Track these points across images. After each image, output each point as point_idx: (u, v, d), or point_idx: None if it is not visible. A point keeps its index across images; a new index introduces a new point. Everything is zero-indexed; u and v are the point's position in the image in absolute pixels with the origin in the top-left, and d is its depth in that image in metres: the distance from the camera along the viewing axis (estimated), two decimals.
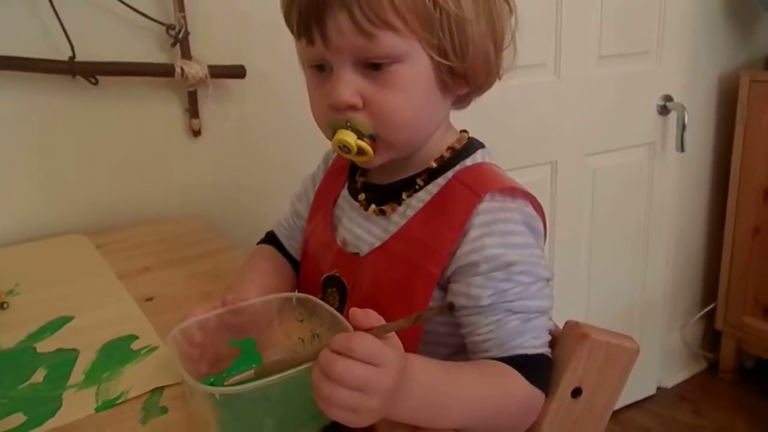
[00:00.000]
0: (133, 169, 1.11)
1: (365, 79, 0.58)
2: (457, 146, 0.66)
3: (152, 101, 1.10)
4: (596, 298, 1.73)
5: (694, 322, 2.04)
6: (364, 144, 0.60)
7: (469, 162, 0.64)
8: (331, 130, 0.61)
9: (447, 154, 0.65)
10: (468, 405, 0.54)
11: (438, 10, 0.57)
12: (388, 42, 0.56)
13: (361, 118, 0.59)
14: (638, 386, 1.90)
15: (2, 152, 1.00)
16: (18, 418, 0.57)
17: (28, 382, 0.62)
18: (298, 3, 0.58)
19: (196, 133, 1.13)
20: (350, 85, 0.58)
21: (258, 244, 0.82)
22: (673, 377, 2.01)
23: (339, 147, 0.60)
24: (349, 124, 0.59)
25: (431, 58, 0.59)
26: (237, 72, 1.11)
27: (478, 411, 0.55)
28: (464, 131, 0.69)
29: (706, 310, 2.03)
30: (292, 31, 0.61)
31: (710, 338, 2.06)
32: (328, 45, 0.57)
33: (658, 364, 1.93)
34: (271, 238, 0.81)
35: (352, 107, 0.58)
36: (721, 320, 1.98)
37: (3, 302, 0.78)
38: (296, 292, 0.74)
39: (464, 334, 0.60)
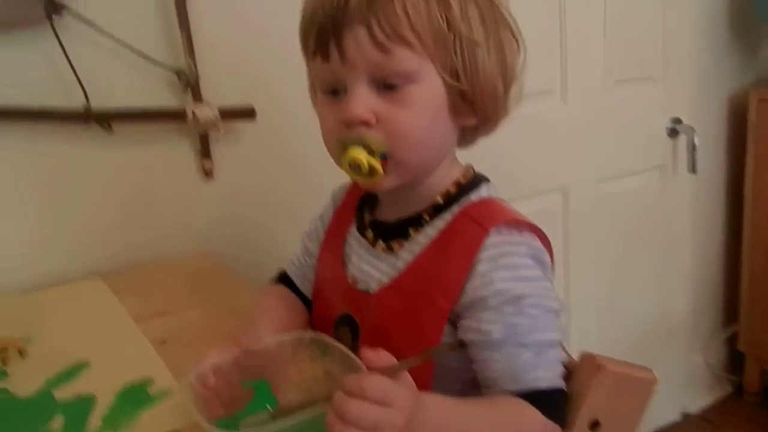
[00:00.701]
0: (148, 211, 1.12)
1: (379, 98, 0.59)
2: (463, 181, 0.66)
3: (165, 144, 1.12)
4: (614, 325, 1.70)
5: (717, 345, 2.01)
6: (375, 162, 0.59)
7: (474, 196, 0.65)
8: (341, 149, 0.61)
9: (453, 189, 0.66)
10: None
11: (452, 32, 0.59)
12: (403, 57, 0.58)
13: (373, 135, 0.59)
14: (662, 412, 1.86)
15: (19, 200, 1.02)
16: None
17: (45, 430, 0.63)
18: (318, 18, 0.59)
19: (209, 174, 1.15)
20: (364, 101, 0.59)
21: (270, 282, 0.83)
22: (698, 402, 1.97)
23: (350, 165, 0.60)
24: (361, 141, 0.59)
25: (443, 80, 0.60)
26: (247, 113, 1.13)
27: None
28: (469, 166, 0.69)
29: (727, 332, 2.00)
30: (307, 52, 0.62)
31: (733, 361, 2.02)
32: (345, 60, 0.58)
33: (682, 390, 1.89)
34: (282, 277, 0.82)
35: (366, 123, 0.59)
36: (743, 342, 1.94)
37: (21, 350, 0.78)
38: (309, 330, 0.75)
39: (476, 370, 0.60)
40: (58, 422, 0.64)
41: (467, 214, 0.63)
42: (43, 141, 1.02)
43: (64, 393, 0.69)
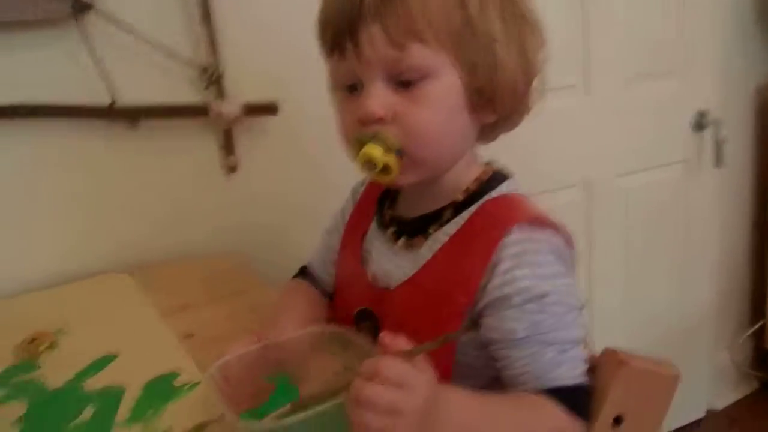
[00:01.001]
0: (173, 207, 1.14)
1: (395, 95, 0.59)
2: (484, 178, 0.66)
3: (189, 140, 1.13)
4: (638, 321, 1.69)
5: (743, 342, 1.98)
6: (390, 159, 0.59)
7: (495, 193, 0.64)
8: (357, 146, 0.60)
9: (473, 186, 0.65)
10: None
11: (469, 27, 0.58)
12: (419, 54, 0.57)
13: (388, 131, 0.59)
14: (687, 409, 1.84)
15: (47, 195, 1.04)
16: None
17: (76, 421, 0.64)
18: (333, 17, 0.59)
19: (233, 169, 1.16)
20: (380, 98, 0.59)
21: (292, 278, 0.83)
22: (724, 398, 1.95)
23: (364, 162, 0.59)
24: (376, 137, 0.59)
25: (460, 76, 0.59)
26: (270, 108, 1.14)
27: None
28: (489, 163, 0.69)
29: (754, 328, 1.97)
30: (325, 49, 0.63)
31: (759, 357, 1.99)
32: (360, 57, 0.58)
33: (707, 386, 1.87)
34: (304, 272, 0.83)
35: (381, 120, 0.59)
36: None
37: (53, 342, 0.80)
38: (330, 325, 0.75)
39: (500, 368, 0.60)
40: (87, 413, 0.65)
41: (488, 211, 0.63)
42: (69, 138, 1.04)
43: (93, 384, 0.71)
